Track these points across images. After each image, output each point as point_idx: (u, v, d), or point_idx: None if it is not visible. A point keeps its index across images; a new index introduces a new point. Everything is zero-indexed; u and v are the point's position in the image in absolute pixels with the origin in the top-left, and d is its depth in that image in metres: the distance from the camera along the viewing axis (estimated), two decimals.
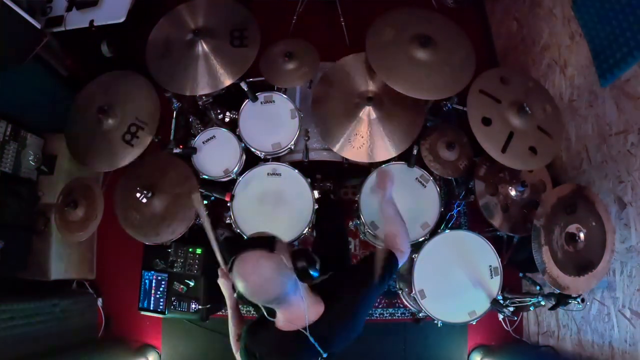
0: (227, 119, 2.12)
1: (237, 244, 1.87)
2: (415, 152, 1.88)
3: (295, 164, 1.99)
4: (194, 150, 1.99)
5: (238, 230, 1.91)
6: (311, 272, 1.12)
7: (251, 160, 2.04)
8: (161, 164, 1.95)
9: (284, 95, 2.03)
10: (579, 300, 1.65)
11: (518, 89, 1.76)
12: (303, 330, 1.14)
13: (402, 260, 1.37)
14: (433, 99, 1.91)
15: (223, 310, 2.45)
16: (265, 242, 1.12)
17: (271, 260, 1.09)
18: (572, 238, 1.64)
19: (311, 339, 1.14)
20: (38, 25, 1.94)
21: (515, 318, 2.38)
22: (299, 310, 1.15)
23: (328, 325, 1.18)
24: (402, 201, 1.94)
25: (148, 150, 1.89)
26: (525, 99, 1.73)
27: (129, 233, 1.88)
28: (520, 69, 2.40)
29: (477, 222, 2.44)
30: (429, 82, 1.71)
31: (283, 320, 1.18)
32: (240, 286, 1.10)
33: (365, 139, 1.85)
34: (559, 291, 1.66)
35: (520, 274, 2.04)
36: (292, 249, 1.16)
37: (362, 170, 2.11)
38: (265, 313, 1.20)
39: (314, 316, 1.17)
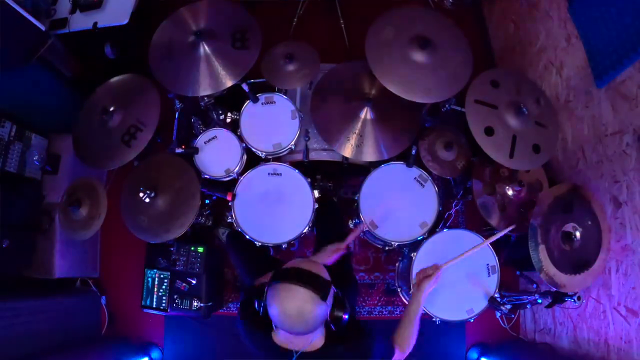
0: (228, 120, 2.15)
1: (242, 241, 1.91)
2: (414, 152, 1.91)
3: (295, 164, 2.02)
4: (196, 150, 2.02)
5: (239, 229, 1.94)
6: (344, 318, 1.13)
7: (252, 160, 2.07)
8: (160, 163, 1.97)
9: (285, 97, 2.06)
10: (575, 298, 1.68)
11: (509, 88, 1.77)
12: (294, 354, 1.15)
13: (396, 358, 1.37)
14: (428, 102, 1.93)
15: (225, 309, 2.48)
16: (321, 287, 1.07)
17: (319, 308, 1.06)
18: (568, 237, 1.66)
19: None
20: (42, 28, 1.96)
21: (512, 316, 2.40)
22: (304, 339, 1.16)
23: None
24: (401, 201, 1.98)
25: (150, 151, 1.92)
26: (518, 98, 1.74)
27: (141, 238, 1.89)
28: (517, 70, 2.42)
29: (474, 221, 2.47)
30: (426, 83, 1.73)
31: (284, 337, 1.19)
32: (273, 310, 1.07)
33: (363, 139, 1.87)
34: (555, 289, 1.68)
35: (517, 273, 2.07)
36: (336, 297, 1.14)
37: (361, 170, 2.14)
38: (275, 327, 1.19)
39: (310, 347, 1.18)
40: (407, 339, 1.42)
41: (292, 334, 1.15)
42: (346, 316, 1.14)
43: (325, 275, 1.12)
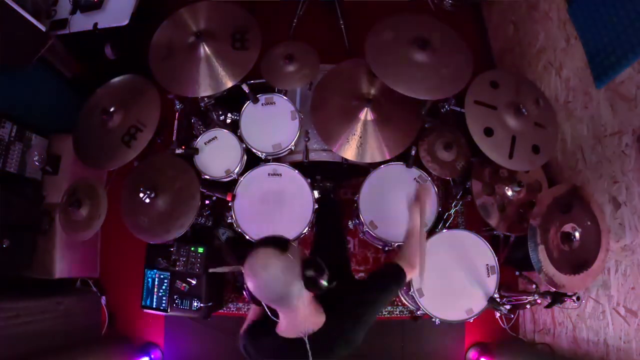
0: (228, 120, 2.15)
1: (241, 243, 1.91)
2: (413, 152, 1.91)
3: (295, 165, 2.02)
4: (196, 150, 2.02)
5: (239, 230, 1.94)
6: (320, 282, 1.13)
7: (252, 161, 2.07)
8: (161, 164, 1.97)
9: (285, 97, 2.06)
10: (574, 298, 1.68)
11: (509, 89, 1.78)
12: (303, 337, 1.14)
13: (410, 277, 1.36)
14: (428, 99, 1.93)
15: (225, 309, 2.49)
16: (279, 242, 1.13)
17: (281, 259, 1.09)
18: (567, 237, 1.67)
19: (307, 347, 1.14)
20: (43, 28, 1.97)
21: (512, 316, 2.39)
22: (300, 317, 1.16)
23: (327, 337, 1.18)
24: (401, 201, 1.97)
25: (150, 151, 1.92)
26: (518, 98, 1.75)
27: (141, 238, 1.90)
28: (516, 71, 2.43)
29: (474, 222, 2.47)
30: (426, 82, 1.73)
31: (284, 325, 1.19)
32: (248, 280, 1.12)
33: (362, 140, 1.87)
34: (554, 289, 1.68)
35: (517, 273, 2.07)
36: (305, 257, 1.16)
37: (361, 170, 2.14)
38: (268, 312, 1.20)
39: (314, 326, 1.17)
40: (411, 255, 1.40)
41: (277, 305, 1.15)
42: (323, 280, 1.13)
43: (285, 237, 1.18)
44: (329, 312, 1.21)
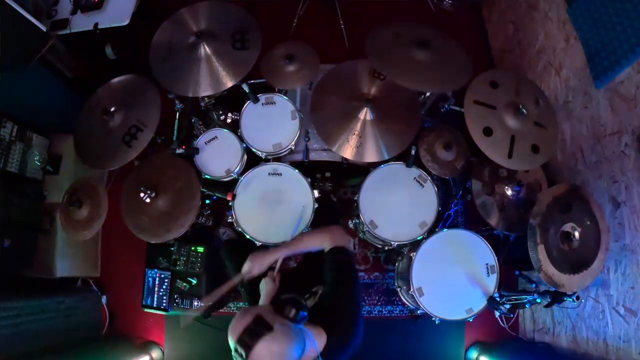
0: (228, 120, 2.16)
1: (241, 243, 1.90)
2: (413, 152, 1.91)
3: (295, 164, 2.02)
4: (197, 150, 2.03)
5: (239, 229, 1.95)
6: (303, 309, 1.13)
7: (252, 161, 2.07)
8: (161, 164, 1.98)
9: (285, 97, 2.07)
10: (574, 297, 1.68)
11: (508, 89, 1.78)
12: (318, 355, 1.13)
13: (345, 241, 1.40)
14: (428, 91, 1.93)
15: (225, 309, 2.49)
16: (259, 326, 1.05)
17: (278, 338, 1.04)
18: (567, 237, 1.67)
19: None
20: (43, 28, 1.97)
21: (512, 315, 2.41)
22: (311, 348, 1.14)
23: (337, 348, 1.20)
24: (401, 201, 1.99)
25: (151, 151, 1.93)
26: (517, 98, 1.75)
27: (141, 237, 1.90)
28: (516, 71, 2.43)
29: (474, 221, 2.47)
30: (425, 74, 1.72)
31: None
32: None
33: (362, 140, 1.88)
34: (554, 289, 1.69)
35: (517, 272, 2.08)
36: (273, 305, 1.15)
37: (361, 170, 2.14)
38: None
39: (322, 345, 1.17)
40: (322, 237, 1.45)
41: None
42: (303, 307, 1.13)
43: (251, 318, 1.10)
44: (326, 327, 1.21)
